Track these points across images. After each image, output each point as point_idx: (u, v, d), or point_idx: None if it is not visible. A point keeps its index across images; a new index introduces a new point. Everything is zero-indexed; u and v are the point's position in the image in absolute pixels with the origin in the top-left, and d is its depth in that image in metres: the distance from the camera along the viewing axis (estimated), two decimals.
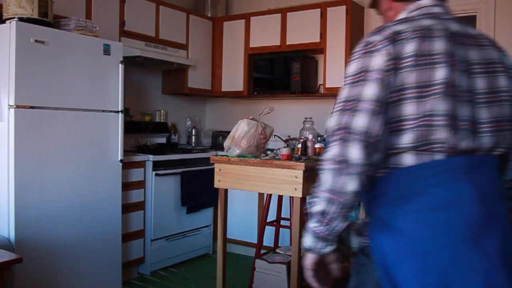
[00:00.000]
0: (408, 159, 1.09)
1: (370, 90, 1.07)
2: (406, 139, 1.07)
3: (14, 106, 2.51)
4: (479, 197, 1.06)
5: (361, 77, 1.09)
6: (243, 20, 4.35)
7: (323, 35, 3.90)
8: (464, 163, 1.08)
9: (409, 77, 1.08)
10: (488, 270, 1.01)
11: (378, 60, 1.09)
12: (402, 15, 1.20)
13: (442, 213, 1.05)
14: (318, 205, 1.10)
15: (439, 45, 1.10)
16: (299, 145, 2.71)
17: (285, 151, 2.56)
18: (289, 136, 3.50)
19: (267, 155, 2.71)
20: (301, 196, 2.46)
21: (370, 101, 1.06)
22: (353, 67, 1.13)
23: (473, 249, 1.03)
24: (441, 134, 1.06)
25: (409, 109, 1.07)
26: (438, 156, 1.07)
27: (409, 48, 1.09)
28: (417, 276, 1.04)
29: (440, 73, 1.08)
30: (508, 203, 1.19)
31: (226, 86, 4.49)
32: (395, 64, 1.08)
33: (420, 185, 1.08)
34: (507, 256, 1.04)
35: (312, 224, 1.12)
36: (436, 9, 1.20)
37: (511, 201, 1.24)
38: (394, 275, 1.08)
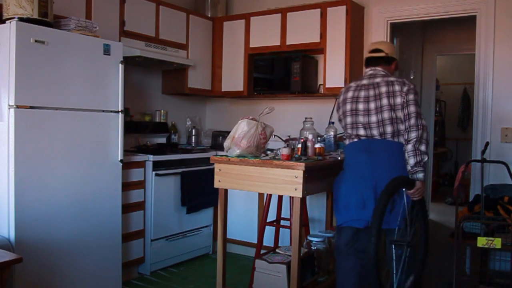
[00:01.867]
0: (347, 141, 2.66)
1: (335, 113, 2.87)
2: (345, 134, 2.69)
3: (14, 106, 2.52)
4: (368, 158, 2.49)
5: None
6: (243, 20, 4.35)
7: (323, 35, 3.90)
8: (364, 142, 2.55)
9: (340, 110, 2.69)
10: (362, 188, 2.47)
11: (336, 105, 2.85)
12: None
13: (353, 165, 2.57)
14: None
15: (350, 94, 2.63)
16: (299, 145, 2.71)
17: (285, 151, 2.56)
18: (289, 136, 3.50)
19: (267, 155, 2.71)
20: (301, 196, 2.46)
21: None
22: None
23: (360, 179, 2.49)
24: (350, 131, 2.60)
25: (343, 121, 2.68)
26: (355, 139, 2.59)
27: (341, 98, 2.70)
28: (338, 191, 2.60)
29: (348, 106, 2.61)
30: (396, 156, 2.48)
31: (226, 86, 4.49)
32: (337, 106, 2.75)
33: (350, 152, 2.62)
34: (376, 184, 2.42)
35: None
36: (368, 73, 2.65)
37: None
38: (334, 189, 2.66)
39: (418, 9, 3.87)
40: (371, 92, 2.54)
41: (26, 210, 2.58)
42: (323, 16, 3.89)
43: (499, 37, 3.53)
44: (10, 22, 2.53)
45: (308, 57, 4.12)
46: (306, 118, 3.43)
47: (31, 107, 2.60)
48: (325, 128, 3.67)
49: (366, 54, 2.74)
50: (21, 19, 2.60)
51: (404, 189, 2.41)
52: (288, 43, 4.08)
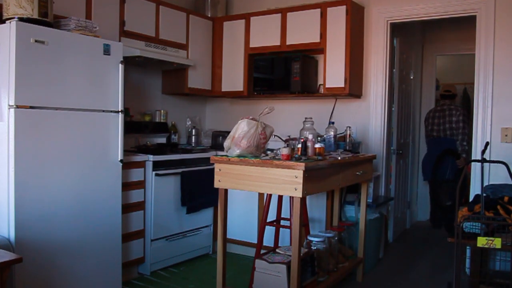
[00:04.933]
0: (427, 138, 5.23)
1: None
2: (426, 134, 5.26)
3: (14, 106, 2.51)
4: (438, 146, 4.93)
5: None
6: (243, 20, 4.35)
7: (323, 35, 3.90)
8: (435, 138, 5.03)
9: (426, 122, 5.20)
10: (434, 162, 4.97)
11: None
12: None
13: (430, 151, 5.07)
14: None
15: (431, 114, 5.14)
16: (299, 145, 2.71)
17: (285, 151, 2.56)
18: (289, 136, 3.50)
19: (267, 155, 2.71)
20: (301, 196, 2.46)
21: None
22: None
23: (433, 157, 4.95)
24: (430, 133, 5.12)
25: (427, 128, 5.18)
26: (431, 137, 5.11)
27: (426, 116, 5.25)
28: (425, 163, 5.16)
29: (429, 121, 5.11)
30: (454, 148, 4.86)
31: (226, 86, 4.49)
32: (425, 120, 5.25)
33: (429, 144, 5.18)
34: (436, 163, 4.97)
35: None
36: (441, 103, 5.11)
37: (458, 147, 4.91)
38: (423, 161, 5.25)
39: (418, 9, 3.88)
40: (441, 114, 4.93)
41: (26, 210, 2.58)
42: (323, 16, 3.89)
43: (499, 37, 3.53)
44: (10, 22, 2.53)
45: (308, 57, 4.12)
46: (306, 118, 3.43)
47: (31, 107, 2.60)
48: (325, 128, 3.67)
49: (441, 92, 5.16)
50: (21, 19, 2.60)
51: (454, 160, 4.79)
52: (288, 43, 4.08)
